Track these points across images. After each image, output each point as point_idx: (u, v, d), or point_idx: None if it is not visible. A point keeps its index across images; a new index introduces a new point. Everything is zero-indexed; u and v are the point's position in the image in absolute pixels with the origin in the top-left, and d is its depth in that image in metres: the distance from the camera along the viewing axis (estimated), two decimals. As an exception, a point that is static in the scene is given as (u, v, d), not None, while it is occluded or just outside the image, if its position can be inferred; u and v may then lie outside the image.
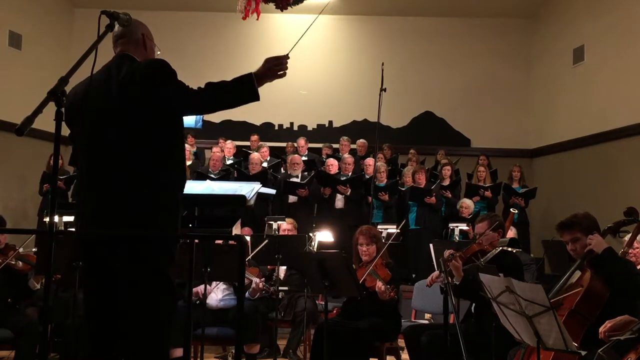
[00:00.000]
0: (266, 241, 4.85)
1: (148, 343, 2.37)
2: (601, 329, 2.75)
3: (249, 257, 4.85)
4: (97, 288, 2.42)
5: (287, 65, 2.58)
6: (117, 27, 2.42)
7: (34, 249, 4.91)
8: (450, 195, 8.01)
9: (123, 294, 2.35)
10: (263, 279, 5.03)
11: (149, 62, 2.50)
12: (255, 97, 2.49)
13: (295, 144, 9.27)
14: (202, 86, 2.43)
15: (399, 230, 5.20)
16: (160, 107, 2.38)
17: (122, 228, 2.33)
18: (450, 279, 3.57)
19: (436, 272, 4.10)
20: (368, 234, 4.43)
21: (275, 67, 2.55)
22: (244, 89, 2.47)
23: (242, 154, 9.07)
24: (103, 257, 2.37)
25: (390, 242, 4.56)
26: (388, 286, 4.10)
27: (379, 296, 4.13)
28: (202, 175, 7.32)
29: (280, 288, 5.06)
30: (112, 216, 2.34)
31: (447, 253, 3.81)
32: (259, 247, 4.86)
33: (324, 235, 5.85)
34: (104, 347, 2.42)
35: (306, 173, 7.99)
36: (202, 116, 10.06)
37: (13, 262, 4.46)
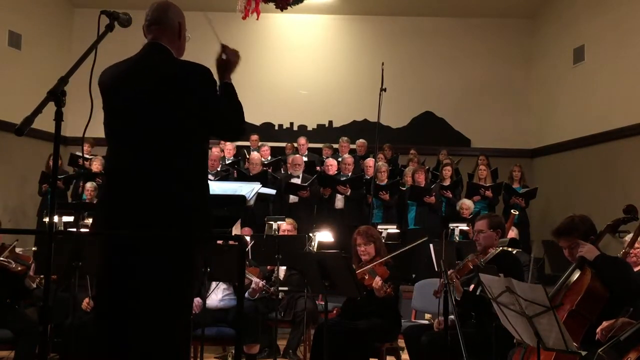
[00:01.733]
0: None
1: (161, 343, 2.33)
2: (598, 329, 2.75)
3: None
4: (115, 281, 2.36)
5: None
6: (149, 12, 2.44)
7: (34, 248, 4.89)
8: (450, 196, 8.00)
9: (140, 291, 2.30)
10: (264, 280, 5.02)
11: (199, 71, 2.42)
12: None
13: (296, 144, 9.27)
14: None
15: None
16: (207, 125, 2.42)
17: (160, 228, 2.29)
18: (451, 287, 3.58)
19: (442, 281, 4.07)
20: (366, 234, 4.44)
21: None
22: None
23: (240, 154, 9.06)
24: (126, 254, 2.32)
25: (390, 255, 4.51)
26: (385, 283, 4.12)
27: (376, 293, 4.14)
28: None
29: (280, 288, 5.06)
30: (152, 216, 2.30)
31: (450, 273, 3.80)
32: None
33: (324, 235, 5.85)
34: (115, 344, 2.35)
35: (307, 175, 7.98)
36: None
37: (7, 263, 4.43)
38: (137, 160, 2.34)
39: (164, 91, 2.34)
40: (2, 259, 4.41)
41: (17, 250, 4.60)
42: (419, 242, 4.72)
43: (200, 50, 2.62)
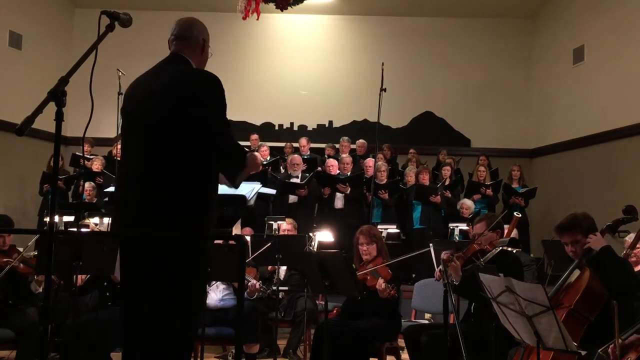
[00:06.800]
0: (269, 244, 4.82)
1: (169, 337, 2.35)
2: (610, 350, 2.68)
3: (249, 258, 4.84)
4: (132, 281, 2.41)
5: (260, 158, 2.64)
6: (176, 27, 2.53)
7: (33, 252, 4.86)
8: (450, 195, 8.01)
9: (145, 291, 2.33)
10: (260, 281, 5.01)
11: (206, 77, 2.43)
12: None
13: (295, 144, 9.26)
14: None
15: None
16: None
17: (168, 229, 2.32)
18: (450, 279, 3.57)
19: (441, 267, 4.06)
20: (368, 234, 4.44)
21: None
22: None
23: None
24: (139, 256, 2.37)
25: (393, 261, 4.50)
26: (388, 285, 4.11)
27: (379, 294, 4.14)
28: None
29: (280, 288, 5.06)
30: (157, 219, 2.33)
31: (445, 255, 3.79)
32: (262, 249, 4.83)
33: (324, 235, 5.86)
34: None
35: (307, 174, 7.98)
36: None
37: (17, 265, 4.43)
38: (140, 164, 2.37)
39: (171, 95, 2.37)
40: (10, 260, 4.41)
41: (27, 254, 4.59)
42: (422, 251, 4.72)
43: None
